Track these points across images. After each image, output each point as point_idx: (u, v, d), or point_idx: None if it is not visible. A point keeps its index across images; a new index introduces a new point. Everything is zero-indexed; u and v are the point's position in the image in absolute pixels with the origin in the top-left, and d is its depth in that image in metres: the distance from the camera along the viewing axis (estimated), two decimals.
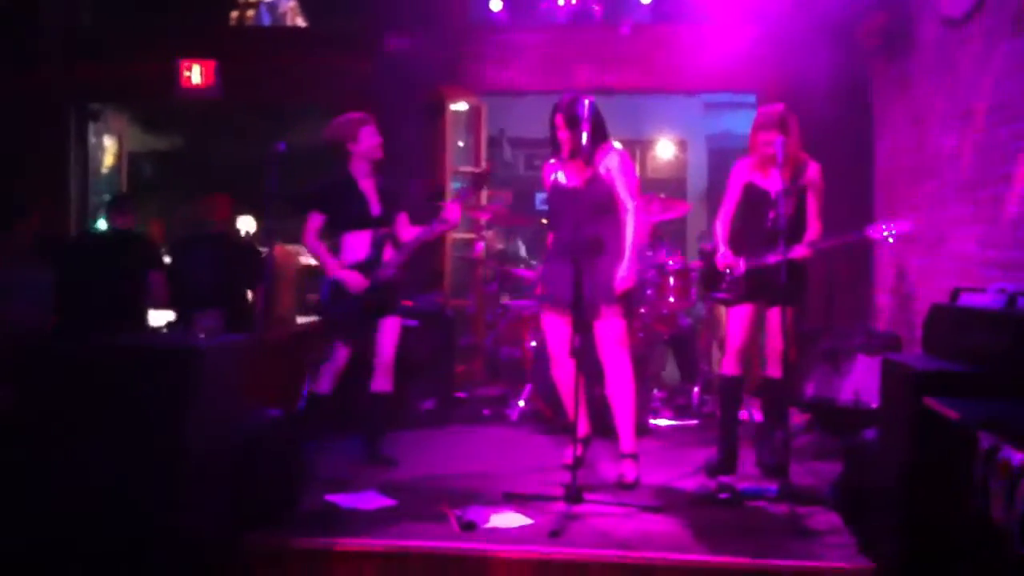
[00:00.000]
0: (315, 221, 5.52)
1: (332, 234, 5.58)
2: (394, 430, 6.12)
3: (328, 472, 5.30)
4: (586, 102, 5.06)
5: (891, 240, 5.06)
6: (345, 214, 5.54)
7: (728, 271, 5.35)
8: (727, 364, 5.46)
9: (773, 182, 5.19)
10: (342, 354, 5.60)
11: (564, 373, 5.27)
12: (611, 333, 5.23)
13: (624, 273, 5.16)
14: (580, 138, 5.09)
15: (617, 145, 5.35)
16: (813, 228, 5.28)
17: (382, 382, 5.63)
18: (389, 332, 5.63)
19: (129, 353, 3.95)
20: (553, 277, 5.29)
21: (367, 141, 5.57)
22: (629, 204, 5.21)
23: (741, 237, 5.42)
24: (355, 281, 5.46)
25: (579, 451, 5.12)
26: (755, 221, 5.36)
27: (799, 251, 5.08)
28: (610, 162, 5.23)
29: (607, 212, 5.23)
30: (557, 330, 5.30)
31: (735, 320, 5.42)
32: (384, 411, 5.72)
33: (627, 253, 5.18)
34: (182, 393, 3.80)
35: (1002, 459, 2.54)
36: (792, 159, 5.05)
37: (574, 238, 5.03)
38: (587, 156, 5.17)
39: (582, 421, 5.30)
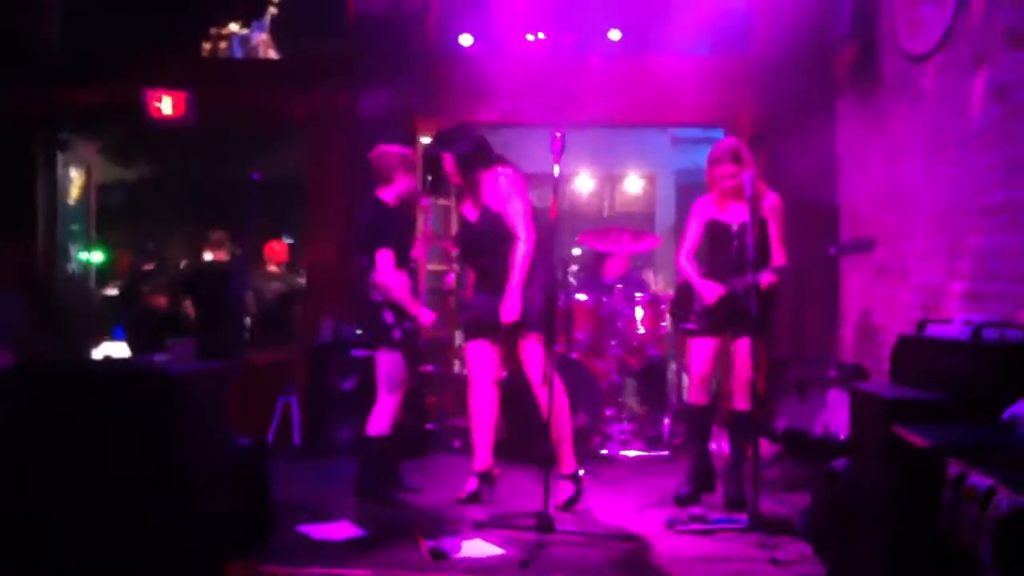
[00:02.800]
0: (391, 257, 5.43)
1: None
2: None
3: (300, 501, 5.28)
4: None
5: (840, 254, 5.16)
6: (406, 252, 5.59)
7: (702, 304, 5.39)
8: (693, 394, 5.51)
9: (734, 215, 5.30)
10: (403, 389, 5.57)
11: (482, 399, 5.39)
12: (533, 359, 5.30)
13: (507, 305, 5.22)
14: (449, 171, 5.29)
15: (504, 171, 5.37)
16: (778, 255, 5.35)
17: (401, 412, 5.70)
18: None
19: (106, 378, 3.93)
20: (475, 306, 5.43)
21: (410, 180, 5.67)
22: (520, 232, 5.25)
23: (707, 273, 5.48)
24: (428, 317, 5.58)
25: (474, 485, 5.36)
26: (720, 255, 5.45)
27: (766, 277, 5.13)
28: (495, 190, 5.31)
29: (505, 242, 5.27)
30: (482, 358, 5.37)
31: (698, 351, 5.47)
32: (403, 440, 5.85)
33: (511, 286, 5.22)
34: (158, 419, 3.79)
35: (970, 485, 2.57)
36: (753, 191, 5.13)
37: (484, 273, 5.16)
38: (474, 190, 5.31)
39: (486, 453, 5.42)
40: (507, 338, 5.34)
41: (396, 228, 5.58)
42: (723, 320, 5.35)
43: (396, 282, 5.45)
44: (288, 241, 12.56)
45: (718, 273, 5.39)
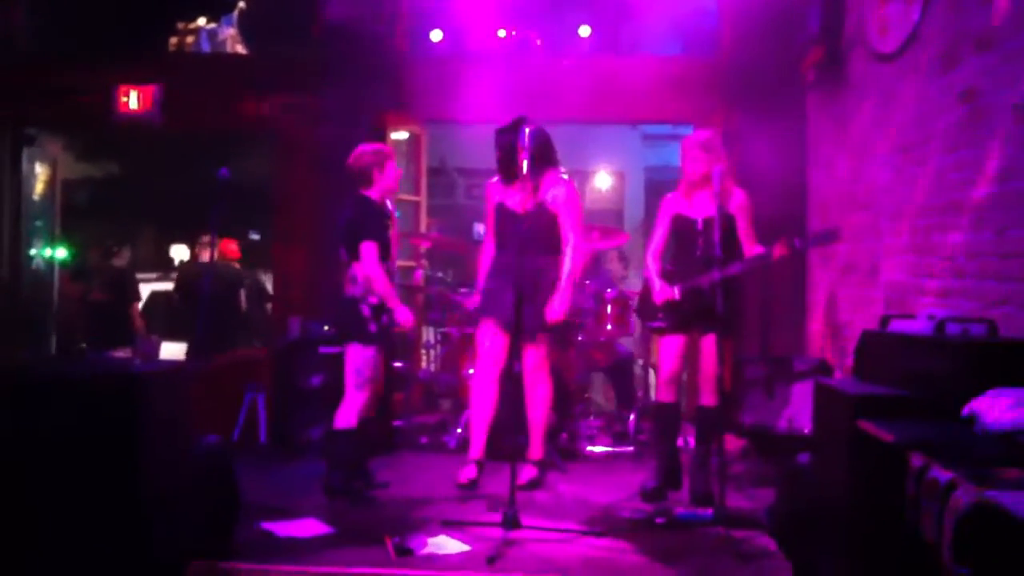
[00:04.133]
0: (375, 250, 5.40)
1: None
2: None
3: (266, 499, 5.26)
4: (527, 129, 5.11)
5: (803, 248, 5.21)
6: (386, 247, 5.54)
7: (666, 303, 5.42)
8: (661, 392, 5.52)
9: (700, 210, 5.32)
10: (373, 385, 5.52)
11: (484, 386, 5.50)
12: (534, 358, 5.49)
13: (556, 305, 5.29)
14: (520, 163, 5.15)
15: (564, 175, 5.44)
16: (750, 250, 5.36)
17: (372, 410, 5.67)
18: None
19: (69, 379, 3.89)
20: (494, 295, 5.42)
21: (391, 174, 5.62)
22: (570, 237, 5.29)
23: (673, 267, 5.51)
24: (408, 319, 5.53)
25: (472, 472, 5.44)
26: (685, 250, 5.48)
27: (734, 268, 5.14)
28: (557, 192, 5.32)
29: (549, 241, 5.31)
30: (492, 344, 5.42)
31: (667, 349, 5.48)
32: (372, 437, 5.83)
33: (562, 286, 5.27)
34: (125, 419, 3.75)
35: (931, 478, 2.59)
36: (721, 187, 5.16)
37: (517, 265, 5.09)
38: (531, 183, 5.27)
39: (480, 443, 5.54)
40: (520, 336, 5.37)
41: (379, 223, 5.54)
42: (690, 317, 5.37)
43: (381, 276, 5.41)
44: (255, 238, 12.53)
45: (685, 268, 5.41)
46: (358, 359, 5.45)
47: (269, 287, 9.28)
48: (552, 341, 5.49)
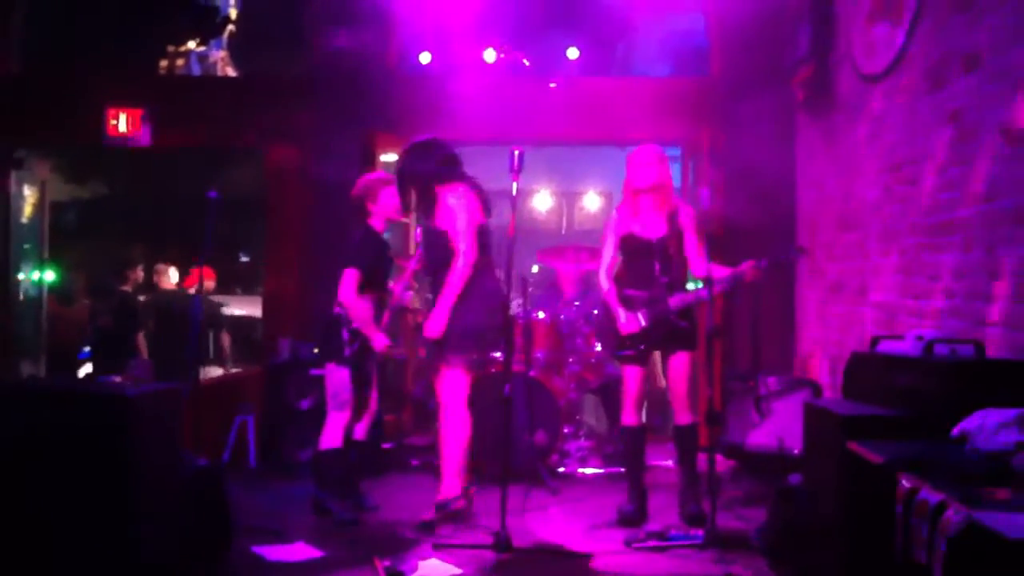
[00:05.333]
0: (355, 277, 5.45)
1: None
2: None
3: (256, 522, 5.24)
4: (516, 152, 5.08)
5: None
6: (380, 275, 5.62)
7: (630, 334, 5.38)
8: (626, 415, 5.51)
9: (652, 229, 5.32)
10: (351, 406, 5.57)
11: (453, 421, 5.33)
12: (442, 383, 5.34)
13: (429, 322, 5.27)
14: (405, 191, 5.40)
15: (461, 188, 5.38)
16: (698, 265, 5.36)
17: (363, 432, 5.74)
18: (375, 383, 5.77)
19: (60, 399, 3.88)
20: None
21: (387, 202, 5.64)
22: (459, 248, 5.24)
23: (633, 291, 5.44)
24: (383, 345, 5.53)
25: (462, 503, 5.25)
26: (640, 270, 5.43)
27: (715, 288, 5.13)
28: (445, 209, 5.32)
29: (444, 257, 5.29)
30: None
31: (630, 375, 5.48)
32: (361, 460, 5.82)
33: (438, 301, 5.25)
34: (115, 441, 3.75)
35: (921, 500, 2.60)
36: (665, 202, 5.21)
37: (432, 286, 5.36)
38: (415, 206, 5.44)
39: (458, 476, 5.28)
40: (428, 355, 5.39)
41: (371, 252, 5.59)
42: (653, 341, 5.37)
43: (355, 303, 5.45)
44: (245, 260, 12.53)
45: (639, 286, 5.39)
46: (334, 380, 5.53)
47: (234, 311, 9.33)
48: (462, 364, 5.26)
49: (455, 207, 5.27)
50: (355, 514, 5.48)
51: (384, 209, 5.64)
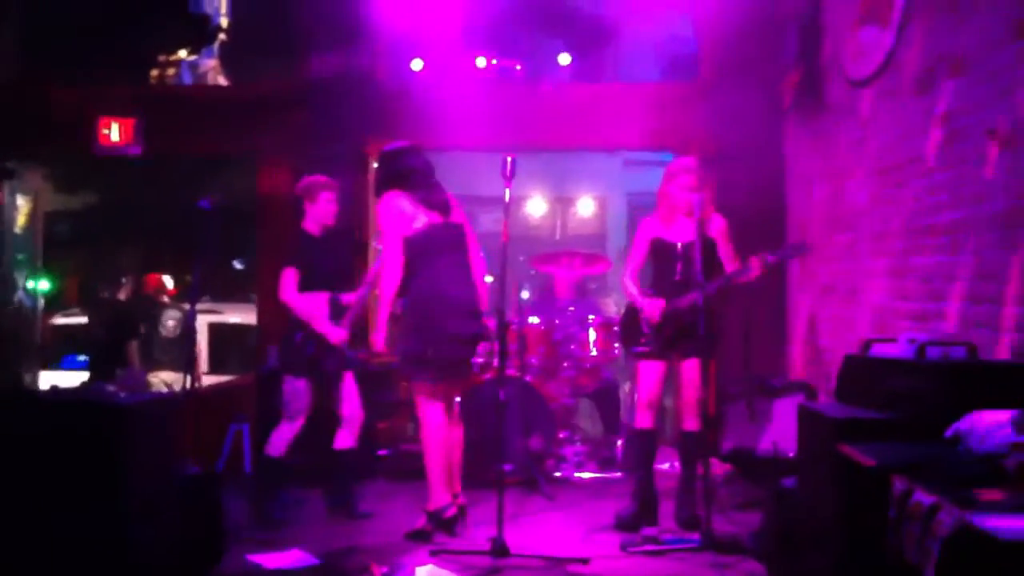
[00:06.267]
0: (294, 277, 5.58)
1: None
2: (318, 486, 6.15)
3: (251, 530, 5.25)
4: (510, 158, 5.08)
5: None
6: (324, 273, 5.66)
7: (649, 323, 5.42)
8: (640, 418, 5.52)
9: (680, 235, 5.35)
10: (303, 416, 5.65)
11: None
12: (413, 394, 5.34)
13: (372, 335, 5.34)
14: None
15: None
16: (733, 269, 5.40)
17: (350, 438, 5.75)
18: (351, 387, 5.76)
19: (54, 409, 3.89)
20: None
21: (323, 206, 5.74)
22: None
23: (652, 292, 5.51)
24: (340, 337, 5.55)
25: (453, 511, 5.22)
26: (664, 275, 5.48)
27: (713, 285, 5.15)
28: (378, 216, 5.38)
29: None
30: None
31: (647, 374, 5.49)
32: (352, 466, 5.85)
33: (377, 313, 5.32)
34: (109, 450, 3.75)
35: (914, 502, 2.61)
36: (703, 211, 5.19)
37: None
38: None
39: (444, 486, 5.24)
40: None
41: (306, 250, 5.71)
42: (671, 341, 5.38)
43: (296, 300, 5.58)
44: (239, 267, 12.52)
45: (663, 292, 5.43)
46: (288, 389, 5.64)
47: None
48: (418, 377, 5.23)
49: (381, 217, 5.31)
50: (284, 514, 5.63)
51: (319, 212, 5.74)
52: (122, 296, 9.22)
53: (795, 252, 5.51)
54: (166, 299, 9.23)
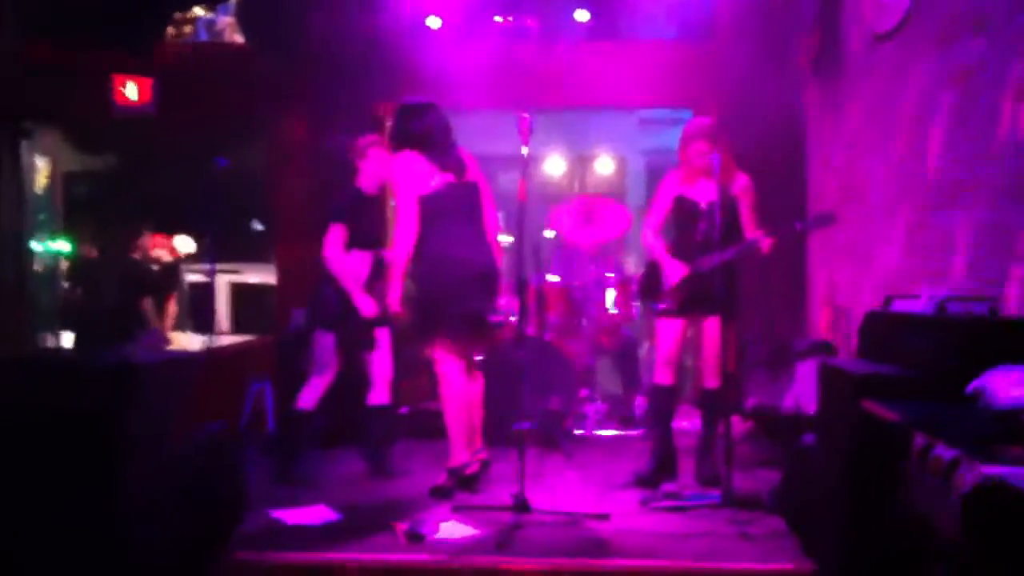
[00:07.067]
0: (341, 234, 5.57)
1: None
2: (339, 445, 6.21)
3: (274, 488, 5.31)
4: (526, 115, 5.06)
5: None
6: (364, 232, 5.64)
7: (667, 282, 5.41)
8: (659, 374, 5.53)
9: (703, 194, 5.32)
10: (332, 371, 5.68)
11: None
12: (431, 353, 5.33)
13: (387, 295, 5.29)
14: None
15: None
16: (753, 232, 5.37)
17: (383, 395, 5.80)
18: (385, 347, 5.78)
19: (69, 370, 3.90)
20: None
21: (375, 163, 5.72)
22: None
23: (673, 250, 5.50)
24: (368, 309, 5.56)
25: (474, 468, 5.31)
26: (687, 233, 5.47)
27: (728, 253, 5.12)
28: (393, 176, 5.35)
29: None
30: None
31: (666, 331, 5.48)
32: (386, 423, 5.89)
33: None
34: (124, 410, 3.77)
35: (934, 456, 2.62)
36: (723, 170, 5.14)
37: None
38: None
39: (465, 444, 5.29)
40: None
41: (356, 209, 5.67)
42: (691, 300, 5.38)
43: (339, 260, 5.55)
44: (259, 228, 12.53)
45: (685, 251, 5.42)
46: (318, 344, 5.66)
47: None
48: (435, 336, 5.23)
49: (396, 176, 5.28)
50: (308, 472, 5.66)
51: (372, 169, 5.70)
52: (136, 256, 9.23)
53: (821, 223, 5.44)
54: (168, 259, 9.22)
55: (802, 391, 5.72)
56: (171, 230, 9.95)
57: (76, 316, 9.18)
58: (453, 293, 5.14)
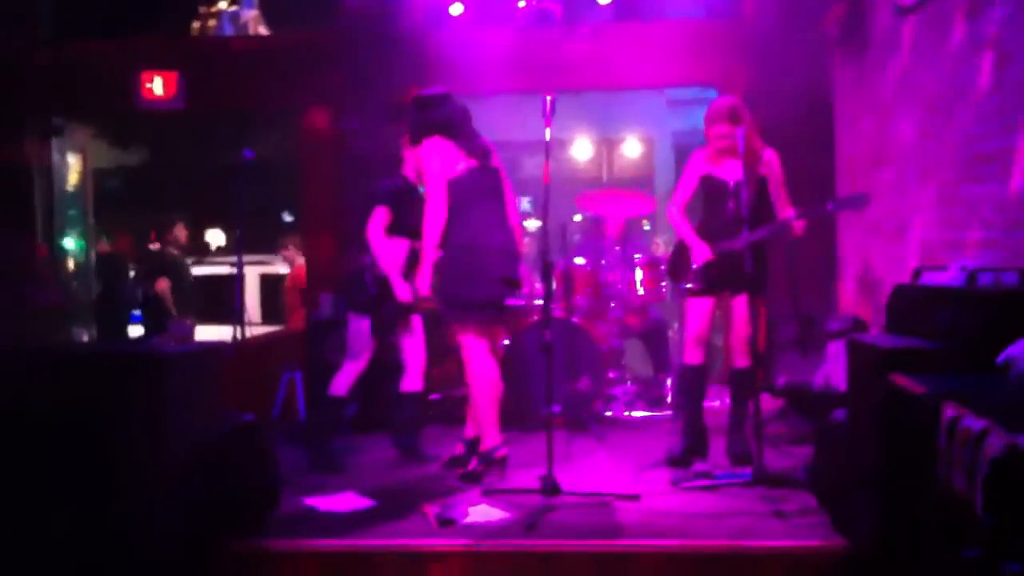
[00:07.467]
0: (385, 217, 5.60)
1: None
2: (369, 431, 6.25)
3: (307, 476, 5.34)
4: (549, 98, 5.02)
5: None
6: (406, 220, 5.64)
7: (696, 261, 5.37)
8: (689, 354, 5.49)
9: (731, 172, 5.26)
10: (366, 356, 5.71)
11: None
12: (458, 339, 5.30)
13: (417, 279, 5.28)
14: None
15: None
16: (784, 209, 5.32)
17: (416, 381, 5.84)
18: (418, 331, 5.82)
19: (103, 360, 3.94)
20: None
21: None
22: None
23: (702, 229, 5.45)
24: (405, 294, 5.56)
25: (459, 450, 5.40)
26: (715, 212, 5.42)
27: (760, 233, 5.08)
28: (421, 165, 5.31)
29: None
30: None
31: (696, 310, 5.45)
32: (417, 409, 5.91)
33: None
34: (156, 400, 3.80)
35: (963, 428, 2.59)
36: (748, 149, 5.08)
37: None
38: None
39: (497, 427, 5.25)
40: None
41: (399, 194, 5.68)
42: (720, 279, 5.34)
43: (381, 243, 5.56)
44: (288, 220, 12.60)
45: (713, 230, 5.38)
46: (352, 329, 5.67)
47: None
48: (464, 320, 5.17)
49: (424, 163, 5.24)
50: (341, 458, 5.68)
51: (414, 158, 5.66)
52: (169, 249, 9.30)
53: (853, 204, 5.36)
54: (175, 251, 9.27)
55: (832, 369, 5.67)
56: (201, 224, 10.02)
57: (102, 309, 9.29)
58: (480, 277, 5.13)
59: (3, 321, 6.94)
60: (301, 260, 9.17)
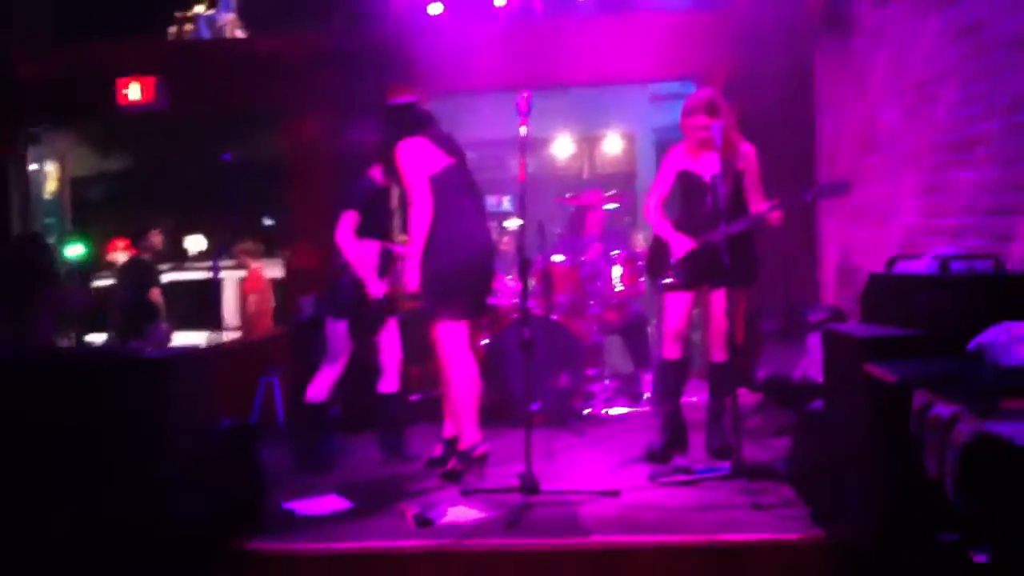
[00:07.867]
0: (353, 220, 5.58)
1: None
2: (355, 432, 6.21)
3: (286, 479, 5.30)
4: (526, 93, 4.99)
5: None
6: (380, 221, 5.68)
7: (674, 256, 5.35)
8: (668, 348, 5.47)
9: (708, 166, 5.23)
10: (344, 359, 5.70)
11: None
12: (436, 334, 5.23)
13: (404, 275, 5.24)
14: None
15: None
16: (758, 202, 5.31)
17: (392, 383, 5.84)
18: (393, 333, 5.82)
19: (102, 363, 3.93)
20: None
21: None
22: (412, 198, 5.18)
23: (680, 225, 5.43)
24: (379, 291, 5.56)
25: (438, 451, 5.41)
26: (693, 207, 5.40)
27: (737, 225, 5.06)
28: (399, 166, 5.28)
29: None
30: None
31: (674, 305, 5.43)
32: (397, 410, 5.91)
33: (408, 253, 5.22)
34: (156, 402, 3.79)
35: (934, 414, 2.57)
36: (726, 142, 5.06)
37: None
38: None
39: (476, 424, 5.22)
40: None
41: (367, 196, 5.66)
42: (698, 273, 5.32)
43: (351, 246, 5.55)
44: (269, 223, 12.54)
45: (691, 225, 5.36)
46: (330, 332, 5.66)
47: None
48: (447, 314, 5.14)
49: (404, 162, 5.19)
50: (323, 460, 5.68)
51: (384, 160, 5.66)
52: (145, 255, 9.24)
53: (832, 192, 5.33)
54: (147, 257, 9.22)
55: (811, 361, 5.66)
56: (182, 229, 9.98)
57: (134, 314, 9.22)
58: (462, 273, 5.12)
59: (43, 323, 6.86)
60: (255, 264, 9.19)
